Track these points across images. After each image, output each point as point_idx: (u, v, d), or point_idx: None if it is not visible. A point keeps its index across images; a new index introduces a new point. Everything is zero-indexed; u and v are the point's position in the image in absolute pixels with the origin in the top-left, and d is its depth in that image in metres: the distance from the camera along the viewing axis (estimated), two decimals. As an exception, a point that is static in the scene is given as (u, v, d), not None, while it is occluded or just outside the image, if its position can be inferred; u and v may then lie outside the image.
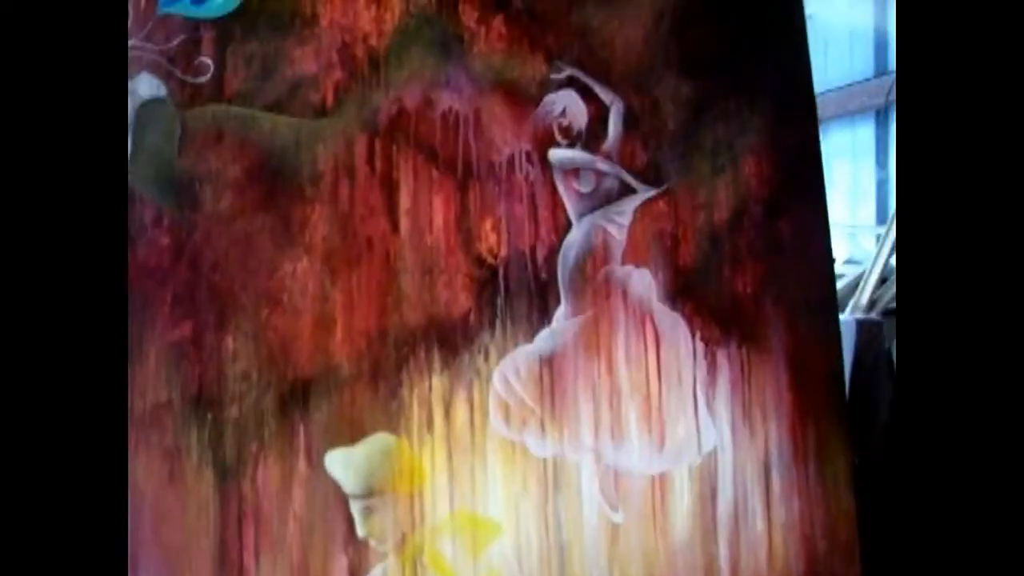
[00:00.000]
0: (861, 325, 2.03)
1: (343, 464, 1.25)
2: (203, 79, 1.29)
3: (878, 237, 4.16)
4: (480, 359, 1.34)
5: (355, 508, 1.25)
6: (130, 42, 1.28)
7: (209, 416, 1.22)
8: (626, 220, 1.47)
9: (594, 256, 1.44)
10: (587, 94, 1.47)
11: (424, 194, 1.36)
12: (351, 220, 1.32)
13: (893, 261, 2.50)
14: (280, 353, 1.26)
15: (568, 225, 1.43)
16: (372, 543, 1.26)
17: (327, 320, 1.28)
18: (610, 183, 1.47)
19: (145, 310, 1.22)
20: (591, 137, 1.47)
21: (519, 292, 1.38)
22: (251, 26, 1.32)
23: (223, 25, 1.31)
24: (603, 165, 1.47)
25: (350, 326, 1.29)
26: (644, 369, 1.44)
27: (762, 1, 1.63)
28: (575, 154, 1.46)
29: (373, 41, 1.37)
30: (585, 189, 1.46)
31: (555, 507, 1.35)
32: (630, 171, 1.48)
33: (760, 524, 1.47)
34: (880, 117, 4.87)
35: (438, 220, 1.36)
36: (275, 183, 1.30)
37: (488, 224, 1.38)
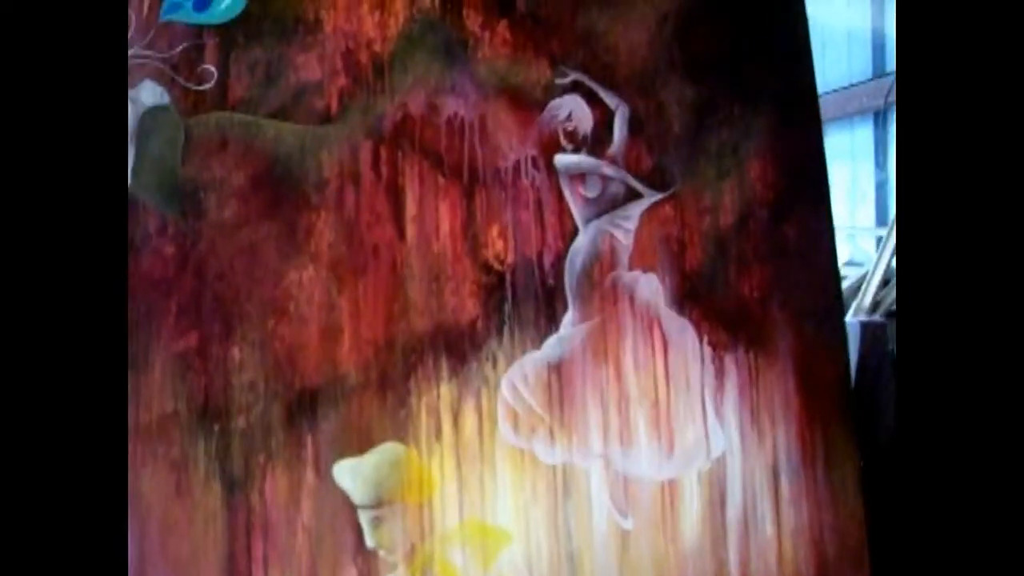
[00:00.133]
0: (865, 327, 2.02)
1: (352, 474, 1.24)
2: (206, 86, 1.28)
3: (878, 239, 4.16)
4: (488, 366, 1.33)
5: (364, 518, 1.24)
6: (132, 50, 1.26)
7: (216, 427, 1.21)
8: (632, 225, 1.46)
9: (601, 261, 1.43)
10: (592, 99, 1.47)
11: (430, 200, 1.35)
12: (357, 227, 1.31)
13: (895, 263, 2.49)
14: (287, 363, 1.25)
15: (575, 231, 1.43)
16: (382, 554, 1.25)
17: (334, 329, 1.27)
18: (616, 188, 1.47)
19: (150, 320, 1.21)
20: (596, 142, 1.46)
21: (526, 298, 1.38)
22: (254, 32, 1.31)
23: (226, 32, 1.30)
24: (609, 170, 1.47)
25: (357, 335, 1.27)
26: (652, 375, 1.43)
27: (764, 4, 1.63)
28: (581, 159, 1.45)
29: (377, 47, 1.36)
30: (591, 194, 1.45)
31: (565, 514, 1.34)
32: (636, 175, 1.47)
33: (769, 529, 1.46)
34: (879, 118, 4.88)
35: (444, 227, 1.35)
36: (280, 191, 1.29)
37: (495, 230, 1.37)
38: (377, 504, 1.24)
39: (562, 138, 1.45)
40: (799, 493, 1.48)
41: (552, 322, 1.39)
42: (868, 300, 2.32)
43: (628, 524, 1.37)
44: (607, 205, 1.46)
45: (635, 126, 1.49)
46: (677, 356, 1.46)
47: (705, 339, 1.47)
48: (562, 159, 1.44)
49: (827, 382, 1.54)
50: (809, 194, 1.60)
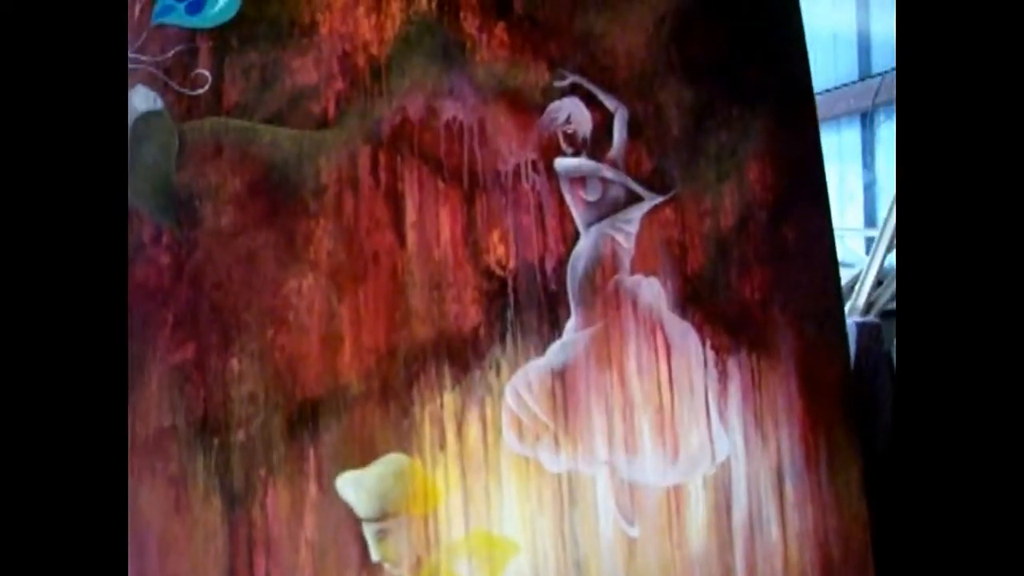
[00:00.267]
0: (861, 328, 2.02)
1: (355, 487, 1.21)
2: (200, 91, 1.25)
3: (867, 240, 4.18)
4: (492, 374, 1.31)
5: (368, 532, 1.21)
6: (124, 54, 1.23)
7: (215, 441, 1.18)
8: (633, 228, 1.45)
9: (603, 266, 1.42)
10: (591, 101, 1.45)
11: (430, 206, 1.33)
12: (356, 234, 1.28)
13: (888, 263, 2.51)
14: (287, 373, 1.22)
15: (576, 235, 1.41)
16: (387, 567, 1.23)
17: (334, 338, 1.24)
18: (616, 191, 1.45)
19: (145, 332, 1.17)
20: (596, 145, 1.45)
21: (529, 304, 1.36)
22: (249, 36, 1.28)
23: (220, 35, 1.27)
24: (609, 173, 1.45)
25: (358, 344, 1.25)
26: (656, 380, 1.42)
27: (760, 6, 1.63)
28: (581, 162, 1.44)
29: (374, 49, 1.34)
30: (592, 198, 1.44)
31: (571, 523, 1.32)
32: (636, 178, 1.46)
33: (775, 533, 1.45)
34: (866, 120, 4.92)
35: (445, 232, 1.33)
36: (277, 198, 1.26)
37: (496, 235, 1.35)
38: (381, 517, 1.22)
39: (562, 141, 1.43)
40: (804, 496, 1.48)
41: (555, 328, 1.37)
42: (862, 301, 2.33)
43: (634, 531, 1.36)
44: (608, 208, 1.44)
45: (634, 128, 1.48)
46: (680, 360, 1.44)
47: (708, 343, 1.46)
48: (562, 162, 1.43)
49: (829, 384, 1.53)
50: (808, 195, 1.60)
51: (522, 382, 1.33)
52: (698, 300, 1.47)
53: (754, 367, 1.49)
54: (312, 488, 1.20)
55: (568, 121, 1.44)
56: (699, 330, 1.46)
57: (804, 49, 1.65)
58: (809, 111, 1.69)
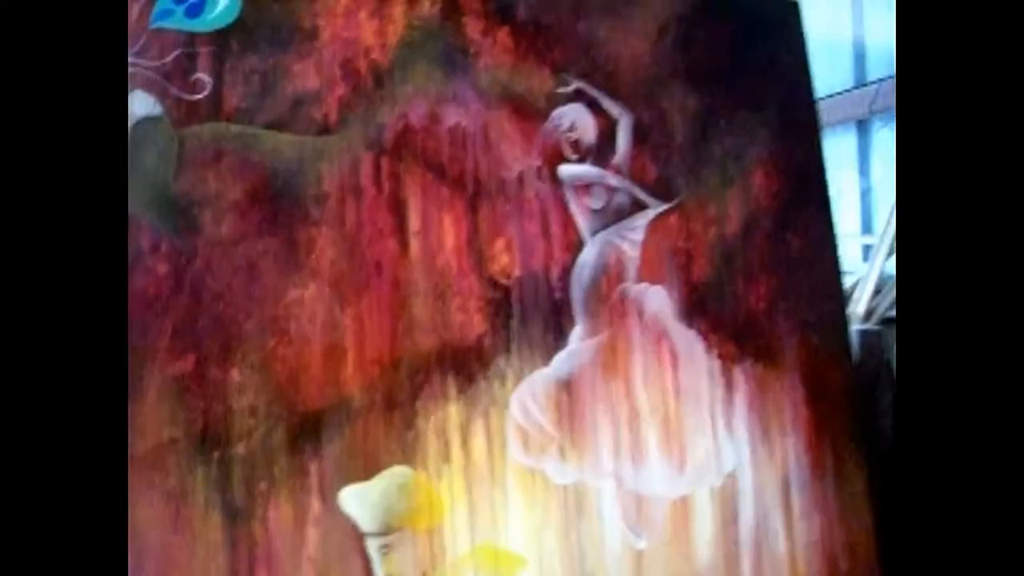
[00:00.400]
0: (861, 335, 2.01)
1: (358, 501, 1.19)
2: (200, 96, 1.23)
3: (864, 247, 4.18)
4: (496, 385, 1.29)
5: (372, 547, 1.19)
6: (121, 58, 1.21)
7: (215, 454, 1.15)
8: (639, 236, 1.44)
9: (608, 274, 1.40)
10: (595, 107, 1.44)
11: (433, 214, 1.30)
12: (359, 243, 1.26)
13: (887, 270, 2.50)
14: (289, 385, 1.19)
15: (580, 243, 1.39)
16: (391, 583, 1.20)
17: (337, 349, 1.22)
18: (621, 199, 1.44)
19: (144, 343, 1.14)
20: (600, 152, 1.43)
21: (534, 314, 1.34)
22: (249, 40, 1.26)
23: (220, 39, 1.25)
24: (613, 180, 1.44)
25: (361, 354, 1.22)
26: (662, 390, 1.40)
27: (762, 12, 1.62)
28: (585, 169, 1.42)
29: (376, 55, 1.32)
30: (597, 205, 1.42)
31: (578, 536, 1.30)
32: (641, 186, 1.45)
33: (782, 544, 1.44)
34: (861, 127, 4.93)
35: (449, 241, 1.30)
36: (278, 205, 1.24)
37: (500, 244, 1.33)
38: (386, 531, 1.19)
39: (566, 148, 1.41)
40: (810, 507, 1.46)
41: (560, 337, 1.35)
42: (862, 308, 2.32)
43: (641, 543, 1.34)
44: (613, 216, 1.43)
45: (639, 135, 1.46)
46: (686, 370, 1.43)
47: (714, 352, 1.44)
48: (566, 169, 1.41)
49: (834, 392, 1.52)
50: (811, 201, 1.59)
51: (527, 392, 1.30)
52: (704, 309, 1.45)
53: (759, 376, 1.47)
54: (314, 502, 1.17)
55: (572, 128, 1.42)
56: (705, 339, 1.44)
57: (806, 57, 1.65)
58: (811, 117, 1.68)
